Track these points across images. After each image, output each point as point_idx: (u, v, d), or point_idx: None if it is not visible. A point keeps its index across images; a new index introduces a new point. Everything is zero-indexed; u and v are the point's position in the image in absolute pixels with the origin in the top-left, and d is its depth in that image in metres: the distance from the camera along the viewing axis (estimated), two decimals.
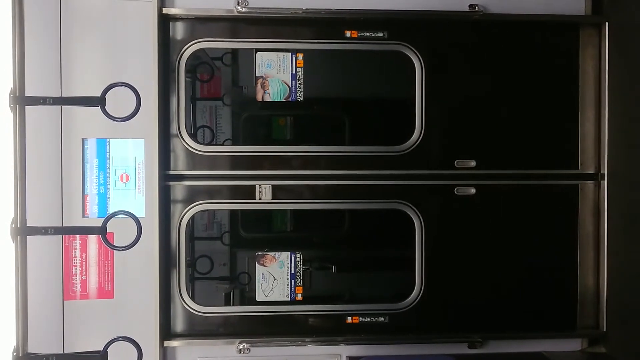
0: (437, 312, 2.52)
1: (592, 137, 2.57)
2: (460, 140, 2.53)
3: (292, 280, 2.53)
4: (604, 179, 2.53)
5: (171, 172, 2.44)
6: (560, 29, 2.56)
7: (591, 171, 2.57)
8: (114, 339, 2.03)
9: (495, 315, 2.54)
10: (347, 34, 2.48)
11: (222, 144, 2.63)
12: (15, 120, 1.92)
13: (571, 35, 2.55)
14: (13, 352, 1.91)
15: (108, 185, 2.37)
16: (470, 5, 2.47)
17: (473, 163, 2.51)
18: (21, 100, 1.93)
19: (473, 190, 2.51)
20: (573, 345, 2.59)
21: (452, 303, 2.53)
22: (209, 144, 2.59)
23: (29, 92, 1.98)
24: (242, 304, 2.63)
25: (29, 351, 1.96)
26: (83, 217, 2.34)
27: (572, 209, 2.56)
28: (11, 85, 1.92)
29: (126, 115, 2.02)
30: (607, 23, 2.52)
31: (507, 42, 2.54)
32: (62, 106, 2.27)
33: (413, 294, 2.51)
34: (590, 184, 2.58)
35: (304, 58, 2.50)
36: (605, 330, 2.53)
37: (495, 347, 2.53)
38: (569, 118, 2.57)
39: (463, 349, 2.50)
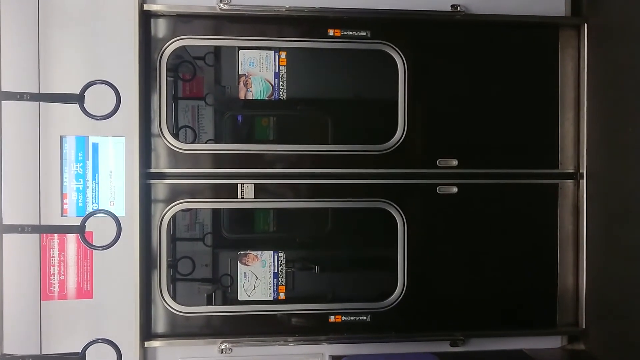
0: (420, 311, 2.53)
1: (572, 136, 2.61)
2: (443, 140, 2.55)
3: (275, 280, 2.51)
4: (583, 178, 2.57)
5: (152, 170, 2.42)
6: (540, 30, 2.59)
7: (570, 170, 2.61)
8: (93, 340, 2.00)
9: (477, 313, 2.56)
10: (330, 32, 2.49)
11: (205, 143, 2.61)
12: None
13: (551, 36, 2.59)
14: None
15: (87, 184, 2.33)
16: (452, 6, 2.49)
17: (455, 162, 2.53)
18: None
19: (455, 189, 2.53)
20: (553, 342, 2.62)
21: (434, 301, 2.55)
22: (192, 143, 2.56)
23: (6, 87, 1.94)
24: (224, 303, 2.61)
25: (4, 352, 1.92)
26: (61, 216, 2.30)
27: (551, 208, 2.60)
28: None
29: (105, 113, 2.00)
30: (586, 24, 2.56)
31: (488, 43, 2.57)
32: (41, 103, 2.23)
33: (395, 292, 2.52)
34: (569, 183, 2.61)
35: (287, 56, 2.49)
36: (584, 327, 2.56)
37: (476, 344, 2.54)
38: (549, 118, 2.60)
39: (445, 347, 2.51)
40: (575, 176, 2.60)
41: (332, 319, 2.50)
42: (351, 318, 2.50)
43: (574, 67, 2.60)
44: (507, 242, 2.58)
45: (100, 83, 1.98)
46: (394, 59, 2.51)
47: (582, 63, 2.57)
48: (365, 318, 2.50)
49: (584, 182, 2.56)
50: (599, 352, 2.50)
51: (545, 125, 2.60)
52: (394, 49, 2.51)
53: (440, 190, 2.52)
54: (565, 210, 2.60)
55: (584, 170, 2.56)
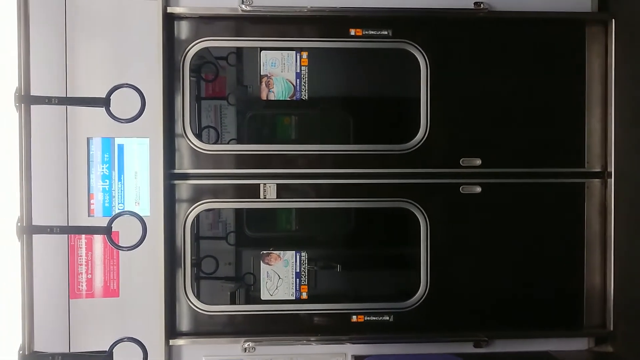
0: (443, 311, 2.51)
1: (599, 135, 2.55)
2: (466, 139, 2.52)
3: (297, 279, 2.52)
4: (611, 177, 2.52)
5: (176, 171, 2.45)
6: (566, 26, 2.54)
7: (598, 169, 2.56)
8: (120, 339, 2.03)
9: (501, 314, 2.53)
10: (352, 32, 2.48)
11: (227, 143, 2.63)
12: (21, 119, 1.93)
13: (577, 33, 2.54)
14: (19, 351, 1.92)
15: (113, 184, 2.37)
16: (475, 3, 2.46)
17: (478, 161, 2.50)
18: (26, 100, 1.93)
19: (478, 189, 2.50)
20: (580, 344, 2.57)
21: (457, 302, 2.53)
22: (214, 143, 2.59)
23: (35, 91, 1.99)
24: (247, 302, 2.63)
25: (35, 349, 1.96)
26: (88, 216, 2.35)
27: (578, 208, 2.55)
28: (16, 85, 1.92)
29: (131, 116, 2.03)
30: (613, 20, 2.50)
31: (512, 40, 2.53)
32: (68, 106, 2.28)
33: (418, 292, 2.50)
34: (596, 182, 2.56)
35: (308, 56, 2.49)
36: (612, 329, 2.51)
37: (501, 346, 2.52)
38: (575, 116, 2.55)
39: (469, 348, 2.49)
40: (603, 175, 2.55)
41: (354, 318, 2.50)
42: (374, 318, 2.50)
43: (601, 63, 2.54)
44: (532, 242, 2.54)
45: (126, 87, 2.01)
46: (416, 58, 2.49)
47: (609, 60, 2.52)
48: (387, 318, 2.50)
49: (611, 181, 2.51)
50: (627, 354, 2.45)
51: (571, 123, 2.55)
52: (416, 47, 2.49)
53: (464, 190, 2.50)
54: (593, 210, 2.55)
55: (612, 169, 2.51)
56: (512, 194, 2.52)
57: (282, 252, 2.53)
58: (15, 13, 1.92)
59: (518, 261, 2.54)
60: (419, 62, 2.49)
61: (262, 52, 2.49)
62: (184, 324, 2.47)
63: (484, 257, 2.53)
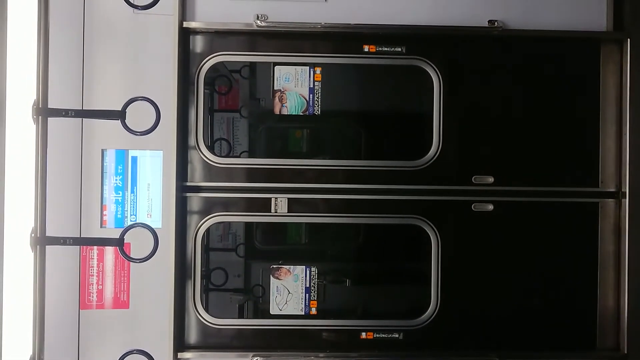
0: (453, 330, 2.49)
1: (613, 154, 2.53)
2: (478, 156, 2.51)
3: (307, 295, 2.51)
4: (625, 197, 2.49)
5: (188, 183, 2.46)
6: (581, 45, 2.53)
7: (612, 189, 2.53)
8: (129, 351, 2.04)
9: (513, 334, 2.50)
10: (366, 48, 2.49)
11: (239, 156, 2.65)
12: (38, 131, 1.96)
13: (592, 52, 2.53)
14: None
15: (126, 196, 2.39)
16: (489, 21, 2.47)
17: (491, 179, 2.49)
18: (44, 112, 1.96)
19: (491, 207, 2.48)
20: None
21: (468, 321, 2.50)
22: (226, 156, 2.60)
23: (52, 103, 2.01)
24: (256, 317, 2.63)
25: None
26: (101, 227, 2.36)
27: (592, 227, 2.52)
28: (34, 97, 1.95)
29: (146, 129, 2.05)
30: (628, 39, 2.49)
31: (526, 58, 2.53)
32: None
33: (428, 310, 2.48)
34: (610, 202, 2.53)
35: (322, 72, 2.51)
36: (626, 352, 2.47)
37: None
38: (590, 135, 2.53)
39: None
40: (617, 195, 2.52)
41: (363, 335, 2.48)
42: (383, 335, 2.48)
43: (616, 82, 2.53)
44: (545, 261, 2.51)
45: (141, 100, 2.03)
46: (430, 75, 2.49)
47: (624, 79, 2.50)
48: (397, 335, 2.47)
49: (625, 201, 2.48)
50: None
51: (585, 143, 2.53)
52: (430, 64, 2.49)
53: (476, 207, 2.49)
54: (606, 230, 2.52)
55: (626, 188, 2.48)
56: (524, 212, 2.50)
57: (292, 266, 2.53)
58: (34, 27, 1.95)
59: (530, 281, 2.51)
60: (432, 79, 2.49)
61: (276, 67, 2.50)
62: (193, 336, 2.47)
63: (496, 276, 2.51)
